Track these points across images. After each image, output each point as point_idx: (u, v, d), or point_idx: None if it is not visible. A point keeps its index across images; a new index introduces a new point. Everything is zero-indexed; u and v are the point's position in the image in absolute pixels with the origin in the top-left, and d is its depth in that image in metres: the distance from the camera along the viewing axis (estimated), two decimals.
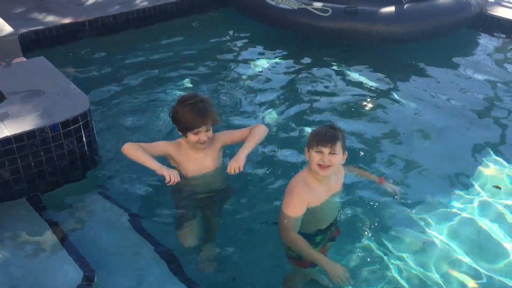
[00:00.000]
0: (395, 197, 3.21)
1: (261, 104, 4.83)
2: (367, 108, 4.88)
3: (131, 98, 4.84)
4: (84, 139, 3.48)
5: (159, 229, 3.13)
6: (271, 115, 4.61)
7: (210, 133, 2.95)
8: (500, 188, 3.63)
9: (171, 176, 2.78)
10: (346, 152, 2.80)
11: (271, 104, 4.83)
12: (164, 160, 3.11)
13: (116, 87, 5.08)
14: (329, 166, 2.65)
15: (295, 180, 2.83)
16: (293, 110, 4.74)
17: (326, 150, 2.63)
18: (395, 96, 5.11)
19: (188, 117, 2.84)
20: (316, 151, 2.65)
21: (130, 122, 4.39)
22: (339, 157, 2.70)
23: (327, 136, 2.65)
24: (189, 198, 3.18)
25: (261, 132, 3.15)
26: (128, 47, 6.05)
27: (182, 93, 4.89)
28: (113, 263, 2.84)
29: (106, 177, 3.62)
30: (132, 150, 2.92)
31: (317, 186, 2.78)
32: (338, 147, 2.66)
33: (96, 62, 5.67)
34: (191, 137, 2.91)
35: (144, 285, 2.70)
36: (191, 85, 5.18)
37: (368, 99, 5.02)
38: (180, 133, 2.99)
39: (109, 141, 4.01)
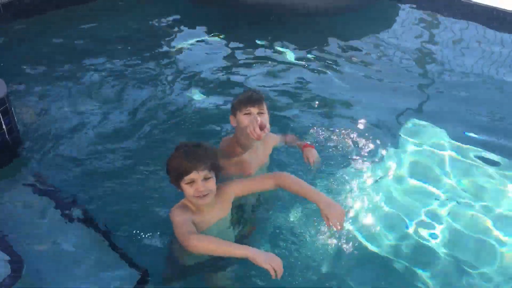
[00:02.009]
0: (310, 167, 3.09)
1: (189, 84, 4.77)
2: (296, 81, 4.93)
3: (53, 84, 4.60)
4: (4, 126, 3.32)
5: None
6: (199, 95, 4.57)
7: (211, 184, 2.34)
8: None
9: (276, 267, 2.04)
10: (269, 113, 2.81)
11: (199, 84, 4.78)
12: None
13: (38, 72, 4.83)
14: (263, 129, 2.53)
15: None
16: (222, 88, 4.73)
17: (255, 110, 2.66)
18: (322, 68, 5.23)
19: (177, 161, 2.31)
20: (245, 113, 2.67)
21: (53, 109, 4.20)
22: (267, 117, 2.71)
23: (253, 96, 2.70)
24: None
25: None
26: (48, 30, 5.77)
27: (105, 77, 4.77)
28: (44, 253, 2.72)
29: (32, 165, 3.48)
30: (205, 244, 2.18)
31: (240, 157, 2.76)
32: (265, 106, 2.72)
33: (14, 47, 5.38)
34: (186, 189, 2.33)
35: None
36: (116, 68, 5.02)
37: (297, 72, 5.10)
38: (178, 189, 2.41)
39: (33, 128, 3.85)
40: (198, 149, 2.33)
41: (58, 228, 2.90)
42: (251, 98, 2.68)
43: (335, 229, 2.28)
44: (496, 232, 3.14)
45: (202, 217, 2.41)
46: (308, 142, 3.28)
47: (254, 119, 2.50)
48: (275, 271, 2.02)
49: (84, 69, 4.93)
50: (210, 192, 2.34)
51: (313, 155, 3.05)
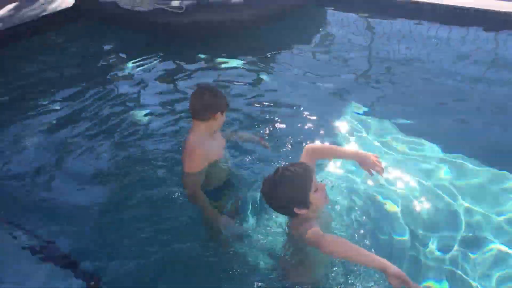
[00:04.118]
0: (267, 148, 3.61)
1: (140, 107, 4.84)
2: (240, 89, 5.08)
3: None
4: None
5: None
6: (151, 118, 4.61)
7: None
8: None
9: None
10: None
11: (151, 107, 4.83)
12: None
13: None
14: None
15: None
16: (175, 108, 4.77)
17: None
18: (261, 75, 5.45)
19: (300, 179, 2.38)
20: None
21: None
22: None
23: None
24: None
25: None
26: None
27: (55, 112, 4.80)
28: None
29: None
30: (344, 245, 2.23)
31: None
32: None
33: None
34: (317, 196, 2.43)
35: None
36: (67, 100, 5.04)
37: (239, 82, 5.27)
38: (302, 212, 2.42)
39: None
40: (291, 166, 2.39)
41: None
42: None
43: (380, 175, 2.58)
44: None
45: (321, 223, 2.45)
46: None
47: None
48: None
49: (29, 108, 4.93)
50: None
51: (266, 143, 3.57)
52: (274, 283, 2.67)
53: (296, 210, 2.38)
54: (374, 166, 2.52)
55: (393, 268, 2.04)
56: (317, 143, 2.86)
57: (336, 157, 2.91)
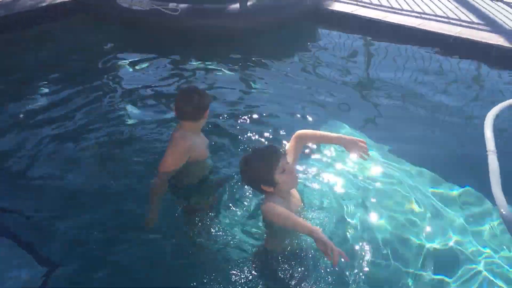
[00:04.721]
0: None
1: (130, 106, 4.91)
2: (229, 95, 5.19)
3: None
4: None
5: None
6: (141, 116, 4.70)
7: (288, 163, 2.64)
8: None
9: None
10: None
11: (141, 107, 4.93)
12: None
13: None
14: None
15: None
16: (164, 109, 4.88)
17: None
18: (250, 83, 5.57)
19: (266, 160, 2.56)
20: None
21: None
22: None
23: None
24: None
25: None
26: None
27: (50, 102, 4.89)
28: None
29: None
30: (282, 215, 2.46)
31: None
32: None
33: None
34: (285, 177, 2.59)
35: None
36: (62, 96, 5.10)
37: (229, 87, 5.39)
38: (269, 190, 2.62)
39: None
40: (263, 147, 2.77)
41: None
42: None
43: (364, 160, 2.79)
44: None
45: (287, 204, 2.64)
46: None
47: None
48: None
49: (25, 97, 5.02)
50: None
51: None
52: (257, 256, 2.86)
53: (263, 187, 2.61)
54: (360, 150, 2.73)
55: (320, 235, 2.23)
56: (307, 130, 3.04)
57: (323, 141, 3.17)
